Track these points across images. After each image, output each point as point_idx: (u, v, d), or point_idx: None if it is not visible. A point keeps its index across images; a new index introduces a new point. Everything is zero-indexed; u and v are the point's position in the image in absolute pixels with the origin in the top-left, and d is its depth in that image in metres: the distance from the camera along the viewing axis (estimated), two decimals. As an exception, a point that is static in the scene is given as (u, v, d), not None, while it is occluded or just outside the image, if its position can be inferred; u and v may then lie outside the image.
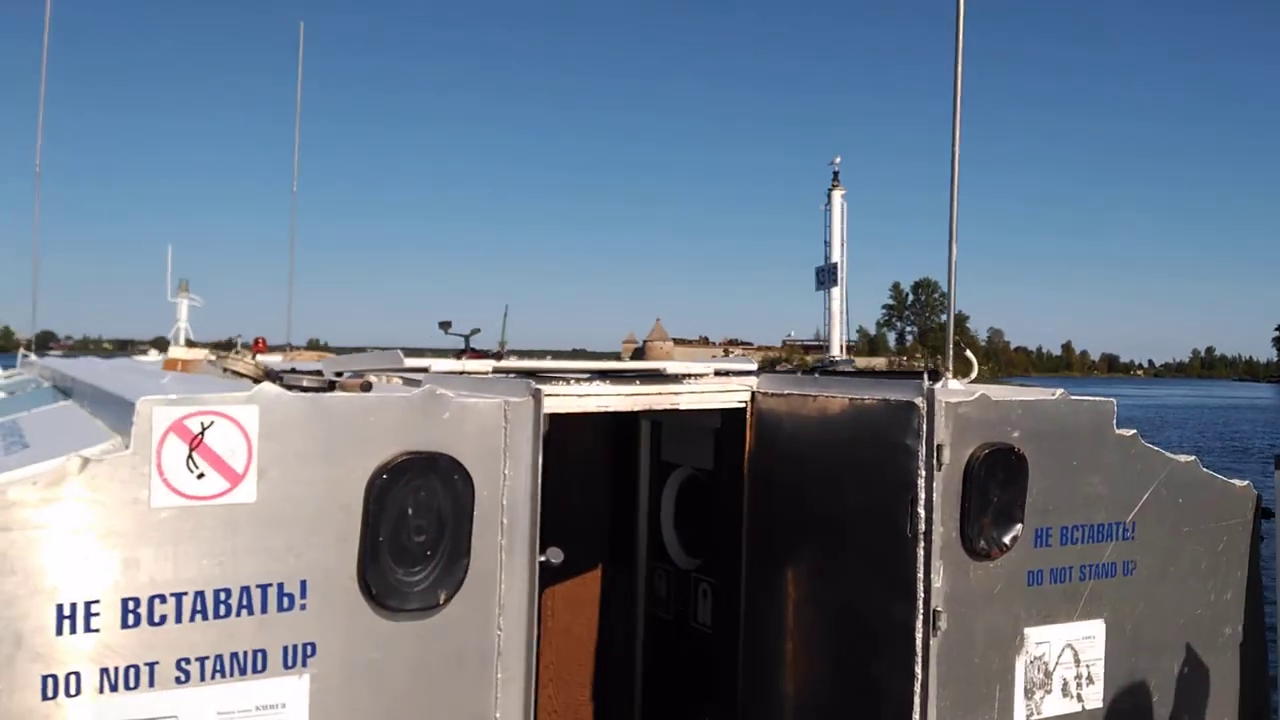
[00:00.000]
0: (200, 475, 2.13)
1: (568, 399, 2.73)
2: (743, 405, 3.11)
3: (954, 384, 2.78)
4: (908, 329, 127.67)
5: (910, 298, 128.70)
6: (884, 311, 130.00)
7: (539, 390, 2.47)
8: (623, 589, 4.07)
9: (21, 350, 9.30)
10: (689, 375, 3.09)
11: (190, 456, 2.13)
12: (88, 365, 6.05)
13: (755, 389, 3.11)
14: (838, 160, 22.10)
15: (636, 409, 2.95)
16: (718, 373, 3.16)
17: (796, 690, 2.99)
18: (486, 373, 2.98)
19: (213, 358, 3.34)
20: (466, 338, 3.96)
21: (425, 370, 2.93)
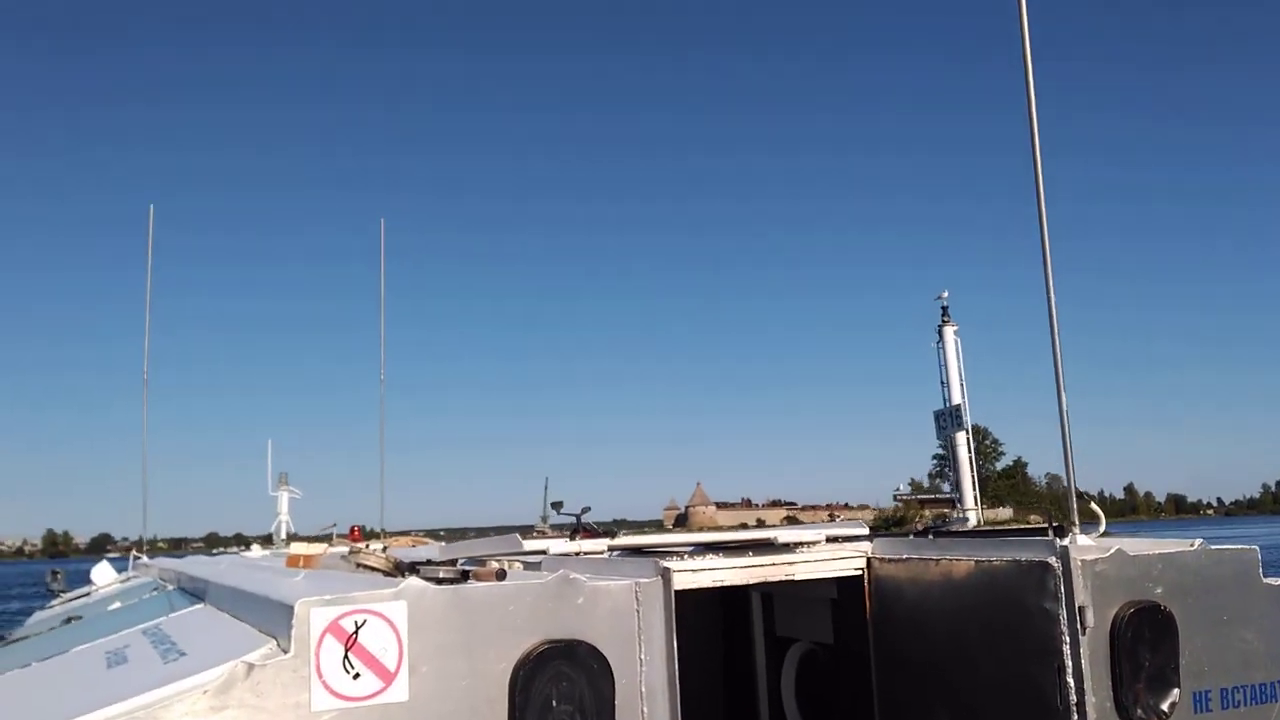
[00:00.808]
0: (356, 675, 2.22)
1: (694, 574, 2.79)
2: (859, 572, 3.13)
3: (1083, 539, 2.76)
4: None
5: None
6: (934, 462, 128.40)
7: (667, 569, 2.55)
8: None
9: (134, 554, 9.58)
10: (801, 544, 3.13)
11: (346, 657, 2.22)
12: (209, 565, 6.21)
13: (871, 554, 3.13)
14: (945, 295, 20.67)
15: (752, 581, 2.98)
16: (830, 539, 3.19)
17: None
18: (602, 552, 3.07)
19: (334, 550, 3.46)
20: (578, 516, 4.06)
21: (544, 553, 3.03)
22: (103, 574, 8.65)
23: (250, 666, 2.14)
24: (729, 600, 3.97)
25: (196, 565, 6.25)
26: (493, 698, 2.30)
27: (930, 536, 3.14)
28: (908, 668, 2.99)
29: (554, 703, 2.33)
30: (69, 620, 5.33)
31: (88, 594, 8.14)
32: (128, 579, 8.43)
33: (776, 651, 3.85)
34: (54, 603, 8.64)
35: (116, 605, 5.26)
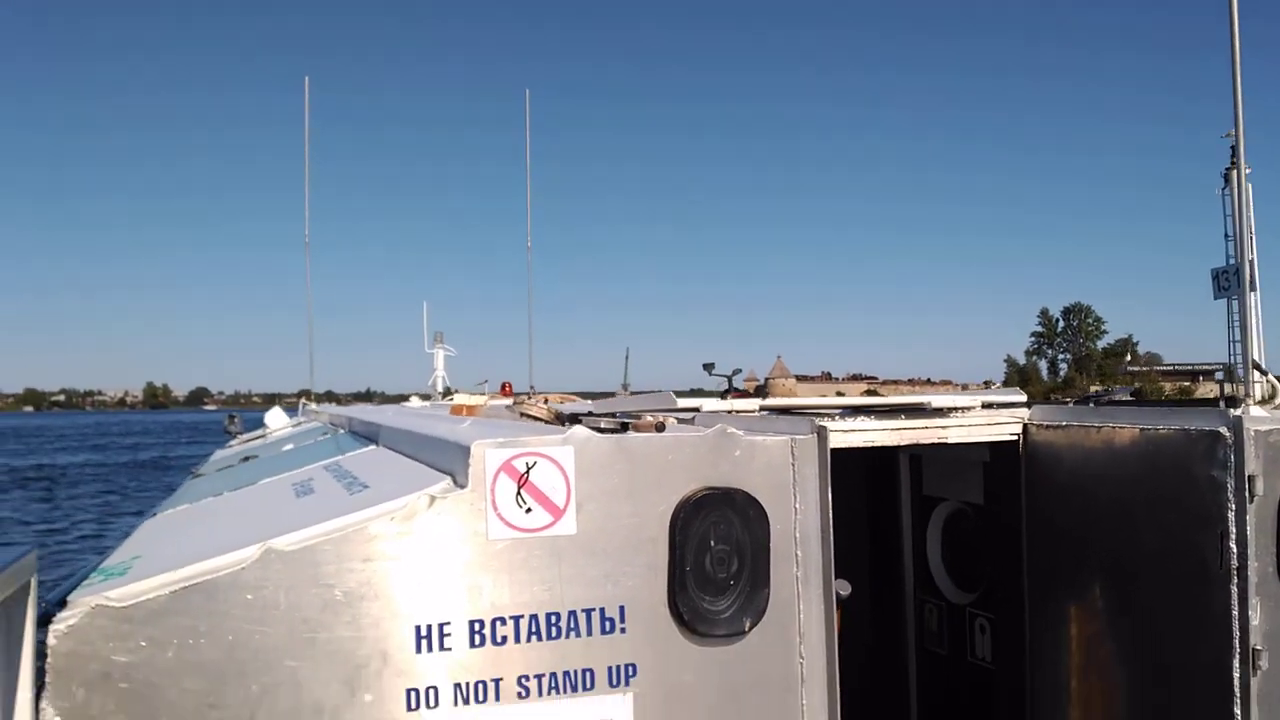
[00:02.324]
0: (528, 510, 2.44)
1: (847, 434, 2.93)
2: (1015, 438, 3.22)
3: (1256, 411, 2.80)
4: (1060, 357, 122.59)
5: (1060, 324, 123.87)
6: (1032, 339, 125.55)
7: (824, 427, 2.70)
8: (891, 623, 4.17)
9: (303, 401, 10.36)
10: (956, 409, 3.23)
11: (519, 493, 2.45)
12: (377, 412, 6.69)
13: (1028, 421, 3.21)
14: (1231, 134, 19.92)
15: (904, 443, 3.10)
16: (985, 405, 3.28)
17: None
18: (754, 412, 3.23)
19: (493, 403, 3.71)
20: (729, 378, 4.22)
21: (697, 410, 3.20)
22: (276, 419, 9.40)
23: (433, 498, 2.38)
24: (876, 460, 4.09)
25: (365, 412, 6.70)
26: (654, 536, 2.50)
27: (1092, 405, 3.20)
28: (1059, 531, 3.09)
29: (711, 542, 2.53)
30: (247, 459, 5.83)
31: (262, 436, 8.82)
32: (298, 424, 9.11)
33: (923, 511, 4.00)
34: (232, 443, 9.35)
35: (291, 447, 5.72)
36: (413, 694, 2.31)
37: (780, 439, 2.65)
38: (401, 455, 3.34)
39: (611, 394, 3.63)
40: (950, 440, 3.13)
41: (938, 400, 3.27)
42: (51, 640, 2.05)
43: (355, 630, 2.27)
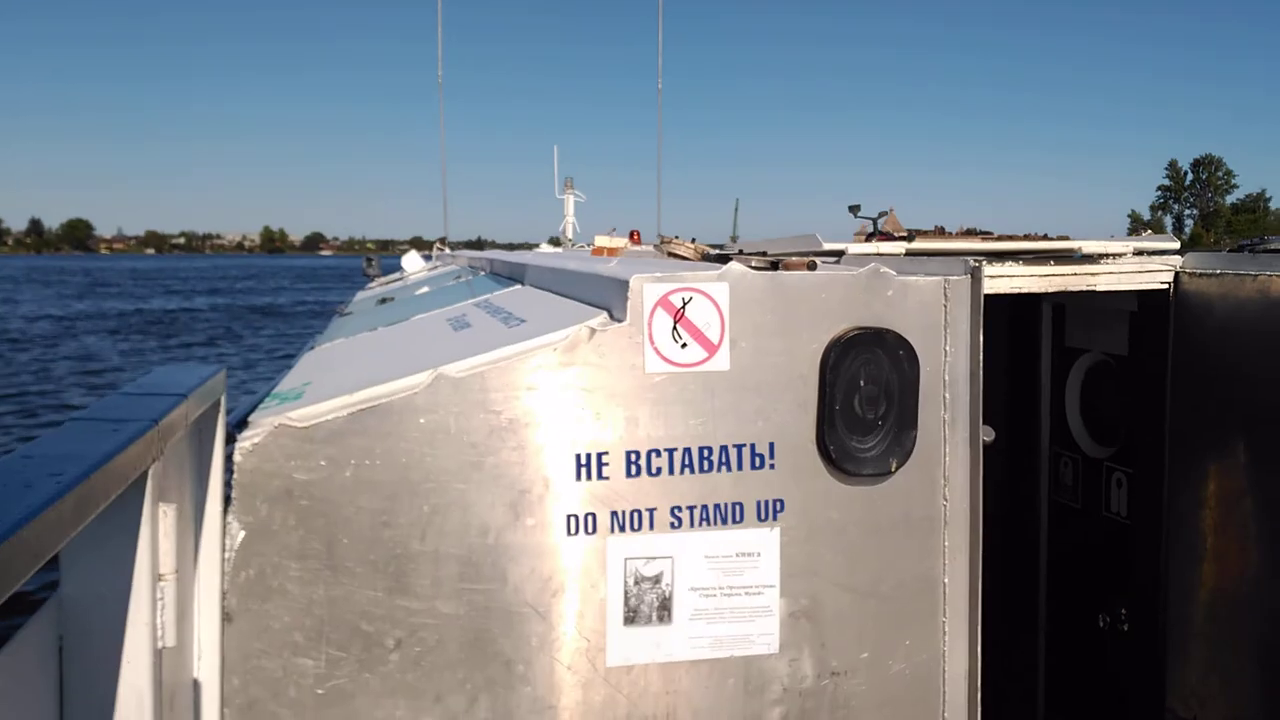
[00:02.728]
0: (683, 345, 2.48)
1: (997, 280, 2.86)
2: (1165, 286, 3.11)
3: None
4: (1186, 212, 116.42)
5: (1189, 177, 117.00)
6: (1159, 194, 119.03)
7: (978, 268, 2.63)
8: (1025, 474, 4.17)
9: (437, 246, 10.69)
10: (1105, 255, 3.12)
11: (675, 328, 2.48)
12: (518, 254, 6.84)
13: (1180, 269, 3.10)
14: None
15: (1051, 290, 3.02)
16: (1137, 252, 3.16)
17: (1227, 584, 3.03)
18: (899, 255, 3.18)
19: (631, 248, 3.75)
20: (874, 220, 4.15)
21: (842, 252, 3.17)
22: (412, 262, 9.69)
23: (592, 330, 2.43)
24: (1017, 309, 4.01)
25: (506, 254, 6.84)
26: (804, 374, 2.52)
27: (1249, 252, 3.05)
28: (1208, 378, 3.00)
29: (861, 381, 2.54)
30: (387, 300, 6.03)
31: (401, 279, 9.09)
32: (434, 268, 9.36)
33: (1063, 362, 3.92)
34: (372, 285, 9.66)
35: (429, 289, 5.88)
36: (572, 519, 2.42)
37: (933, 280, 2.61)
38: (550, 293, 3.40)
39: (721, 246, 3.58)
40: (1099, 288, 3.03)
41: (1088, 246, 3.16)
42: (238, 457, 2.19)
43: (519, 456, 2.38)
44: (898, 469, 2.58)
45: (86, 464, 1.19)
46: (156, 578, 1.63)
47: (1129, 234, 4.03)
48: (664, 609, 2.47)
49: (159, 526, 1.66)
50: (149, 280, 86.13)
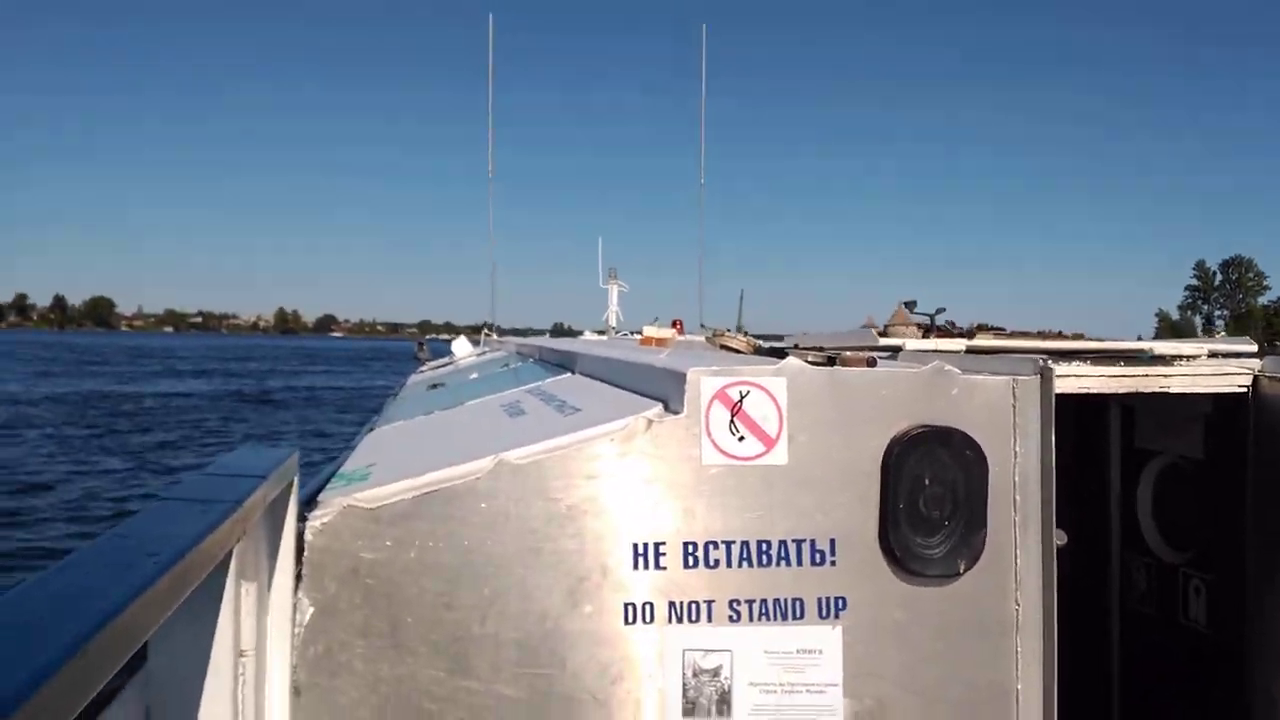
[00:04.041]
0: (741, 438, 2.55)
1: (1067, 379, 2.90)
2: (1244, 390, 3.12)
3: None
4: (1216, 313, 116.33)
5: (1218, 278, 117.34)
6: (1186, 294, 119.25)
7: (1048, 368, 2.69)
8: (1095, 578, 4.15)
9: (484, 332, 10.98)
10: (1179, 356, 3.15)
11: (732, 422, 2.55)
12: (563, 342, 6.97)
13: (1260, 372, 3.12)
14: None
15: (1122, 391, 3.05)
16: (1212, 354, 3.20)
17: None
18: (959, 351, 3.25)
19: (679, 337, 3.84)
20: (932, 317, 4.22)
21: (899, 348, 3.24)
22: (462, 347, 9.94)
23: (649, 421, 2.50)
24: (1083, 409, 4.02)
25: (550, 342, 6.98)
26: (866, 470, 2.57)
27: None
28: None
29: (925, 480, 2.58)
30: (436, 385, 6.15)
31: (452, 364, 9.30)
32: (482, 353, 9.57)
33: (1133, 464, 3.93)
34: (423, 369, 9.88)
35: (478, 375, 6.01)
36: (629, 608, 2.46)
37: (1001, 379, 2.67)
38: (601, 382, 3.48)
39: (780, 338, 3.67)
40: (1174, 390, 3.06)
41: (1160, 347, 3.21)
42: (308, 536, 2.27)
43: (578, 544, 2.43)
44: (966, 570, 2.60)
45: (180, 545, 1.26)
46: (239, 654, 1.68)
47: (1155, 336, 4.09)
48: (723, 702, 2.49)
49: (241, 604, 1.72)
50: (146, 358, 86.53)
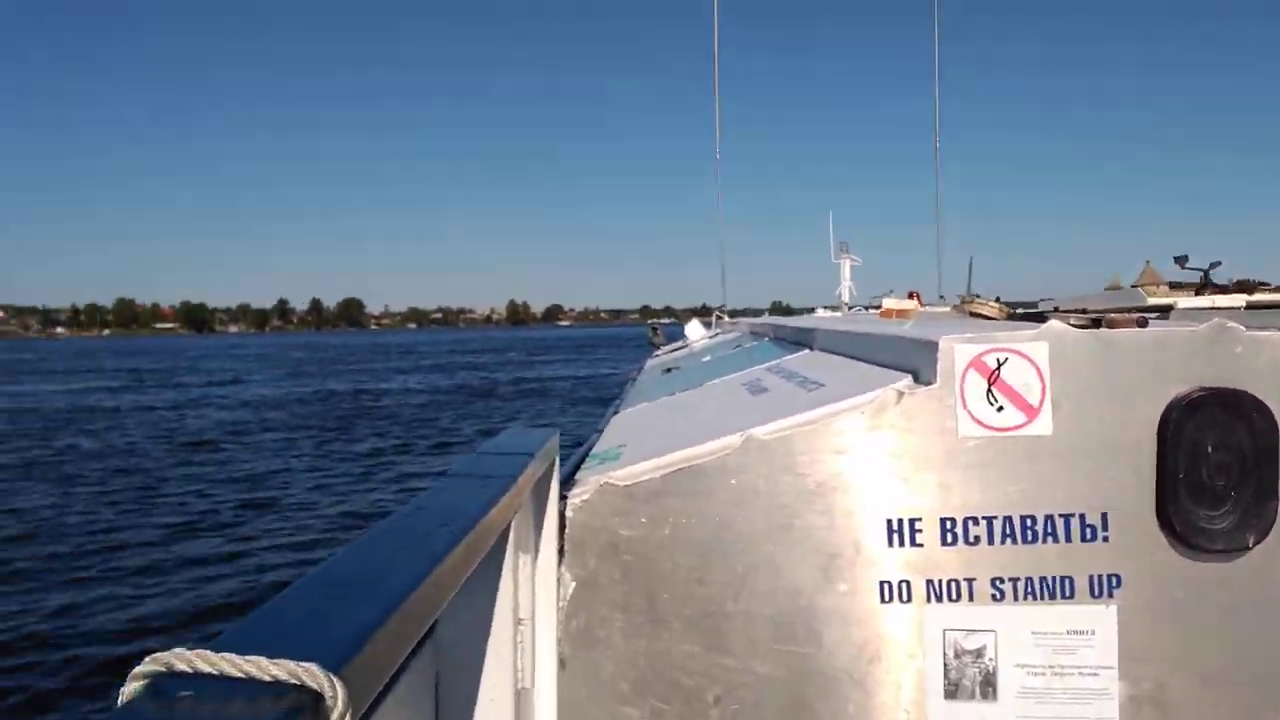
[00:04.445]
0: (1000, 408, 2.43)
1: None
2: None
3: None
4: None
5: None
6: None
7: None
8: None
9: (716, 314, 11.38)
10: None
11: (989, 391, 2.44)
12: (798, 320, 7.05)
13: None
14: None
15: None
16: None
17: None
18: (1239, 308, 2.98)
19: (920, 309, 3.75)
20: (1205, 272, 3.93)
21: (1170, 308, 3.01)
22: (695, 330, 10.26)
23: (900, 394, 2.43)
24: None
25: (786, 320, 7.04)
26: (1139, 439, 2.40)
27: None
28: None
29: (1209, 448, 2.37)
30: (671, 370, 6.32)
31: (685, 347, 9.59)
32: (714, 335, 9.82)
33: None
34: (658, 353, 10.25)
35: (710, 357, 6.13)
36: (885, 586, 2.41)
37: None
38: (842, 357, 3.43)
39: (1035, 304, 3.46)
40: None
41: None
42: (569, 512, 2.35)
43: (828, 520, 2.40)
44: (1256, 544, 2.39)
45: (469, 517, 1.32)
46: (517, 622, 1.76)
47: None
48: (988, 684, 2.40)
49: (519, 574, 1.80)
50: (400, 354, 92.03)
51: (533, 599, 1.92)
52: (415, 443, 24.89)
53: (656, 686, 2.36)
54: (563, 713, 2.32)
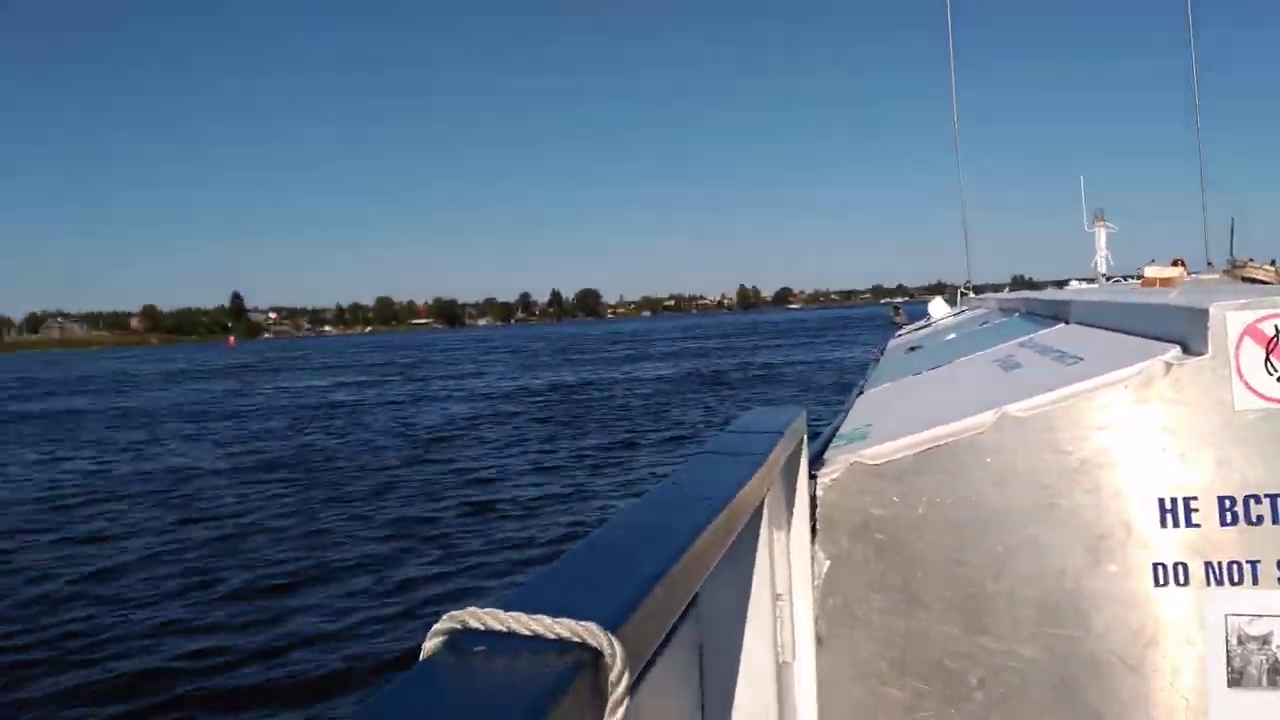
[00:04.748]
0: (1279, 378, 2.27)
1: None
2: None
3: None
4: None
5: None
6: None
7: None
8: None
9: (961, 290, 11.25)
10: None
11: (1268, 360, 2.29)
12: (1052, 293, 6.87)
13: None
14: None
15: None
16: None
17: None
18: None
19: (1193, 276, 3.54)
20: None
21: None
22: (939, 308, 10.13)
23: (1168, 365, 2.32)
24: None
25: (1039, 294, 6.81)
26: None
27: None
28: None
29: None
30: (915, 348, 6.28)
31: (929, 325, 9.49)
32: (959, 312, 9.64)
33: None
34: (900, 333, 10.19)
35: (956, 335, 6.03)
36: (1159, 569, 2.31)
37: None
38: (1102, 329, 3.29)
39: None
40: None
41: None
42: (819, 491, 2.40)
43: (1095, 499, 2.33)
44: None
45: (726, 491, 1.39)
46: (775, 597, 1.84)
47: None
48: (1275, 672, 2.27)
49: (774, 550, 1.88)
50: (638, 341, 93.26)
51: (789, 575, 1.99)
52: (659, 429, 25.12)
53: (917, 667, 2.37)
54: (823, 690, 2.37)
